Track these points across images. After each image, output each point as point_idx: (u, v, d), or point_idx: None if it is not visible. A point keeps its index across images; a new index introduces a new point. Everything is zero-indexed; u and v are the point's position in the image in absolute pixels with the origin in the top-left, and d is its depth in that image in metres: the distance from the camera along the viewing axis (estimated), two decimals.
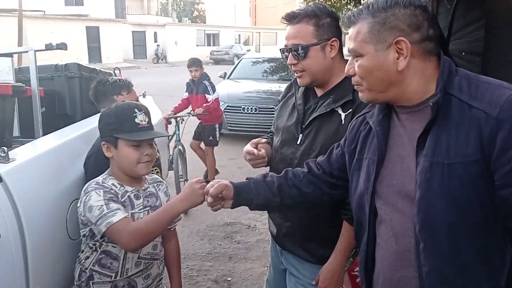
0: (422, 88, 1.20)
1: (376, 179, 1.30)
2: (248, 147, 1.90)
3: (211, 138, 5.83)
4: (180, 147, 5.46)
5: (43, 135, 2.51)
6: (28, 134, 2.70)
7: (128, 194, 1.78)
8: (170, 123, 5.64)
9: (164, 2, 48.59)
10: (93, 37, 28.81)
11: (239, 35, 44.13)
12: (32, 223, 1.67)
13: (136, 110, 1.74)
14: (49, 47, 2.52)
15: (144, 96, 3.81)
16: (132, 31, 35.02)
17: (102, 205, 1.64)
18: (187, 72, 5.86)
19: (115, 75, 3.73)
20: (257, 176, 1.61)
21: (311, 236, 1.84)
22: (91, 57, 28.61)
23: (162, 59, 34.52)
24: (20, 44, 21.70)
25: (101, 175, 1.81)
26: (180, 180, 5.39)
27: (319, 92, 1.86)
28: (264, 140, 2.00)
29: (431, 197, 1.14)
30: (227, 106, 8.20)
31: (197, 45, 38.79)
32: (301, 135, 1.84)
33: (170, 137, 5.86)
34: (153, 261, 1.89)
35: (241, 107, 8.18)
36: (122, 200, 1.73)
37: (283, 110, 2.00)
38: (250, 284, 3.61)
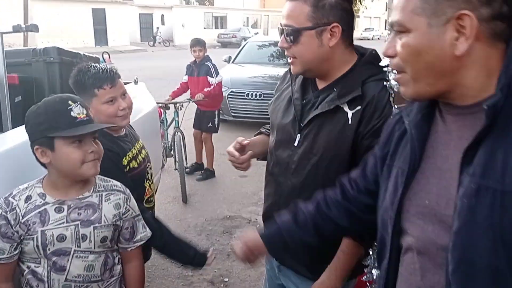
0: (481, 83, 0.91)
1: (405, 194, 1.03)
2: (230, 147, 1.66)
3: (210, 124, 5.60)
4: (179, 133, 5.24)
5: (14, 127, 2.26)
6: None
7: (44, 207, 1.52)
8: (168, 109, 5.41)
9: None
10: (99, 20, 28.59)
11: (247, 17, 43.58)
12: None
13: (70, 102, 1.48)
14: (16, 29, 2.25)
15: (136, 82, 3.55)
16: (139, 14, 34.81)
17: None
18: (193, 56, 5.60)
19: (104, 61, 3.47)
20: (286, 217, 1.40)
21: (318, 253, 1.56)
22: (97, 39, 28.43)
23: (161, 43, 33.53)
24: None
25: (32, 181, 1.58)
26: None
27: (320, 84, 1.58)
28: (255, 137, 1.76)
29: (473, 231, 0.86)
30: (231, 91, 7.94)
31: (204, 28, 38.39)
32: (298, 135, 1.56)
33: (167, 124, 5.66)
34: (89, 284, 1.60)
35: (245, 92, 7.89)
36: (23, 220, 1.50)
37: (278, 104, 1.71)
38: (248, 286, 3.39)
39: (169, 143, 5.48)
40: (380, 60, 1.53)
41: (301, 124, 1.56)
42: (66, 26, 25.25)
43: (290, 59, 1.53)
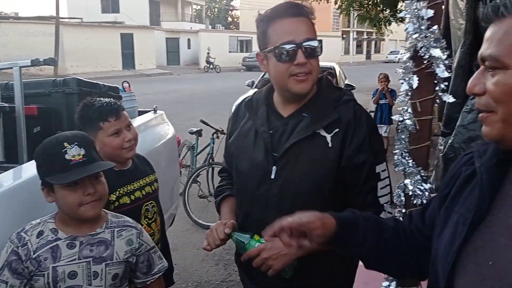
0: None
1: (464, 247, 0.90)
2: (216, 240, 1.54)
3: None
4: (210, 167, 5.24)
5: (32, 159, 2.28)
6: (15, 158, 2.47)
7: (56, 243, 1.49)
8: (201, 135, 5.44)
9: (198, 8, 49.11)
10: (127, 44, 29.28)
11: None
12: None
13: (65, 144, 1.45)
14: (35, 63, 2.29)
15: (155, 111, 3.55)
16: (166, 38, 35.51)
17: None
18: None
19: (124, 90, 3.50)
20: (369, 215, 1.19)
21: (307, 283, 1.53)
22: (124, 63, 29.10)
23: (213, 68, 32.40)
24: (56, 51, 22.25)
25: (44, 217, 1.56)
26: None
27: (285, 112, 1.55)
28: (230, 211, 1.69)
29: None
30: None
31: (229, 52, 38.88)
32: (274, 167, 1.50)
33: (197, 150, 5.69)
34: None
35: None
36: (34, 256, 1.46)
37: (242, 142, 1.64)
38: None
39: (196, 170, 5.43)
40: (333, 84, 1.57)
41: (274, 154, 1.51)
42: (95, 50, 25.96)
43: (306, 74, 1.46)
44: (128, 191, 1.95)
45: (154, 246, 1.73)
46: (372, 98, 8.16)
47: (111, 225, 1.60)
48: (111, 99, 1.97)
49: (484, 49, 0.84)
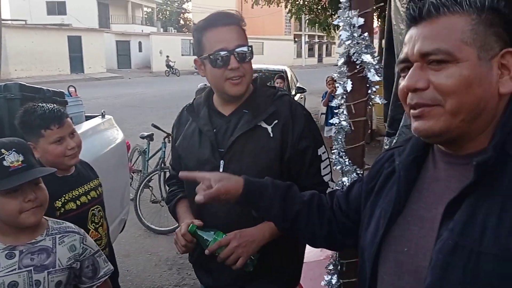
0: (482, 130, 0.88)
1: (385, 237, 0.99)
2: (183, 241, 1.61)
3: None
4: (162, 171, 5.16)
5: None
6: None
7: None
8: (152, 140, 5.33)
9: (149, 11, 48.36)
10: (75, 47, 28.37)
11: None
12: None
13: (2, 150, 1.43)
14: None
15: (103, 116, 3.50)
16: (116, 41, 34.71)
17: None
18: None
19: (70, 95, 3.43)
20: (280, 183, 1.30)
21: (261, 274, 1.61)
22: (72, 67, 28.19)
23: (174, 72, 31.94)
24: None
25: None
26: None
27: (226, 111, 1.66)
28: (187, 210, 1.76)
29: None
30: None
31: (182, 55, 38.53)
32: (222, 161, 1.60)
33: (149, 155, 5.61)
34: None
35: None
36: None
37: (188, 143, 1.72)
38: None
39: (148, 175, 5.36)
40: (266, 83, 1.70)
41: (221, 150, 1.61)
42: (40, 54, 24.98)
43: (240, 78, 1.57)
44: (74, 196, 1.93)
45: (99, 250, 1.71)
46: (322, 100, 8.41)
47: (52, 232, 1.57)
48: (54, 105, 1.93)
49: (426, 45, 0.87)
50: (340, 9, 1.45)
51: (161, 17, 52.86)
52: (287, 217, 1.26)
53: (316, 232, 1.26)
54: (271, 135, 1.58)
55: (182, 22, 56.40)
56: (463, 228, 0.83)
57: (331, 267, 1.54)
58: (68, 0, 34.55)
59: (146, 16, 46.86)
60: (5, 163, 1.41)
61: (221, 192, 1.23)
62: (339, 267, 1.54)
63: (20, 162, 1.44)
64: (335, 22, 1.51)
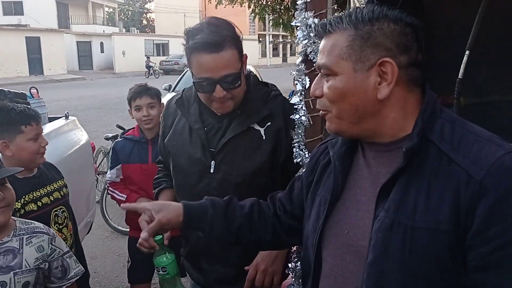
0: (398, 124, 0.98)
1: (326, 222, 1.08)
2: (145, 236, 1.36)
3: None
4: None
5: None
6: None
7: None
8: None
9: (110, 11, 47.43)
10: (33, 48, 27.50)
11: None
12: None
13: None
14: None
15: (67, 117, 3.48)
16: (77, 41, 33.87)
17: None
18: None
19: (32, 96, 3.39)
20: (219, 203, 1.35)
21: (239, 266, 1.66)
22: (31, 69, 27.34)
23: (154, 73, 30.46)
24: None
25: None
26: None
27: None
28: (164, 202, 1.69)
29: (385, 264, 0.92)
30: None
31: (145, 55, 38.06)
32: (213, 162, 1.61)
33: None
34: None
35: None
36: None
37: (177, 139, 1.72)
38: None
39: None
40: (259, 80, 1.72)
41: (212, 150, 1.61)
42: None
43: (221, 101, 1.55)
44: (35, 197, 1.95)
45: (69, 250, 1.72)
46: (289, 98, 8.51)
47: (19, 232, 1.57)
48: (38, 97, 2.01)
49: (319, 59, 1.03)
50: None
51: (123, 17, 51.97)
52: (231, 232, 1.33)
53: (261, 238, 1.35)
54: (264, 138, 1.58)
55: (145, 22, 55.63)
56: (397, 207, 0.93)
57: (295, 254, 1.62)
58: (25, 0, 33.46)
59: (107, 16, 45.95)
60: None
61: (162, 223, 1.28)
62: (302, 253, 1.62)
63: None
64: (292, 23, 1.59)
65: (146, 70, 30.89)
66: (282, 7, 13.59)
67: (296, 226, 1.30)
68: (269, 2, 13.59)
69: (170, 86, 9.68)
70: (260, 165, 1.58)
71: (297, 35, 1.52)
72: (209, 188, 1.62)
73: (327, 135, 1.55)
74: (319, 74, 1.05)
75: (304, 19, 1.49)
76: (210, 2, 12.39)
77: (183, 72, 10.51)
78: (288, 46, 56.90)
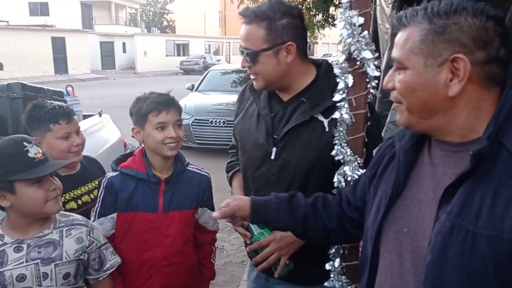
0: (470, 124, 0.94)
1: (385, 217, 1.08)
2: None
3: None
4: None
5: None
6: None
7: (3, 248, 1.51)
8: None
9: (133, 12, 48.02)
10: (58, 48, 28.04)
11: (209, 45, 43.92)
12: None
13: (25, 143, 1.50)
14: None
15: (100, 114, 3.56)
16: (100, 42, 34.42)
17: None
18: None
19: (68, 94, 3.49)
20: (283, 195, 1.42)
21: (305, 259, 1.64)
22: (56, 68, 27.86)
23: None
24: None
25: None
26: None
27: (285, 96, 1.68)
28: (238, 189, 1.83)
29: (443, 268, 0.91)
30: (195, 119, 8.01)
31: (166, 55, 38.42)
32: (274, 148, 1.64)
33: None
34: None
35: (209, 120, 7.97)
36: None
37: (246, 123, 1.78)
38: None
39: None
40: (333, 68, 1.66)
41: (275, 136, 1.64)
42: (24, 55, 24.65)
43: (252, 76, 1.64)
44: (75, 196, 1.96)
45: (106, 242, 1.74)
46: None
47: (59, 225, 1.61)
48: (62, 103, 2.01)
49: (393, 52, 1.02)
50: (323, 9, 1.54)
51: (144, 18, 52.54)
52: (297, 221, 1.36)
53: (327, 226, 1.35)
54: (327, 129, 1.56)
55: (165, 23, 56.13)
56: (460, 211, 0.90)
57: (333, 250, 1.63)
58: (50, 0, 34.14)
59: (129, 17, 46.53)
60: (29, 154, 1.48)
61: (234, 209, 1.40)
62: (341, 251, 1.63)
63: (41, 154, 1.51)
64: (336, 22, 1.61)
65: (202, 70, 30.95)
66: (303, 7, 13.56)
67: (359, 220, 1.29)
68: (291, 3, 13.58)
69: (193, 85, 9.79)
70: (319, 157, 1.57)
71: (341, 33, 1.53)
72: (268, 174, 1.65)
73: (369, 133, 1.57)
74: (393, 67, 1.04)
75: (349, 18, 1.51)
76: (232, 2, 12.42)
77: (206, 72, 10.61)
78: (307, 46, 56.61)
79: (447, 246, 0.90)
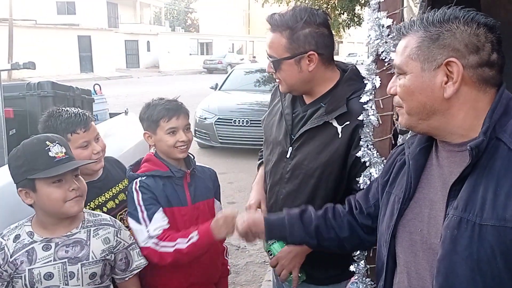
0: (469, 124, 1.01)
1: (399, 220, 1.13)
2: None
3: None
4: None
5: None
6: None
7: (32, 245, 1.53)
8: None
9: (157, 11, 48.57)
10: (84, 46, 28.60)
11: (233, 44, 44.03)
12: None
13: (47, 142, 1.51)
14: (14, 67, 2.34)
15: (126, 113, 3.61)
16: (125, 40, 34.92)
17: None
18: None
19: (95, 93, 3.55)
20: (294, 211, 1.48)
21: (318, 261, 1.71)
22: (82, 66, 28.42)
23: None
24: (10, 54, 21.48)
25: (21, 220, 1.60)
26: None
27: (307, 99, 1.74)
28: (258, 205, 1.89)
29: (454, 260, 0.96)
30: (218, 118, 8.01)
31: (190, 54, 38.69)
32: (290, 148, 1.71)
33: None
34: None
35: (232, 119, 7.96)
36: (11, 259, 1.51)
37: (270, 119, 1.87)
38: None
39: None
40: (360, 74, 1.67)
41: (292, 136, 1.70)
42: (51, 53, 25.22)
43: (277, 80, 1.70)
44: (100, 203, 1.90)
45: (134, 242, 1.75)
46: None
47: (87, 224, 1.63)
48: (78, 108, 1.91)
49: (394, 60, 1.11)
50: (349, 8, 1.54)
51: (168, 17, 53.09)
52: (310, 234, 1.42)
53: (339, 236, 1.40)
54: (340, 135, 1.59)
55: (189, 21, 56.58)
56: (465, 205, 0.96)
57: (357, 253, 1.63)
58: (77, 0, 34.81)
59: (154, 16, 47.08)
60: (50, 153, 1.49)
61: (250, 223, 1.49)
62: (365, 253, 1.63)
63: (63, 154, 1.52)
64: (364, 23, 1.60)
65: (225, 69, 30.93)
66: (328, 6, 13.48)
67: (372, 225, 1.34)
68: (316, 2, 13.51)
69: (216, 84, 9.82)
70: (329, 161, 1.61)
71: (369, 34, 1.53)
72: (283, 171, 1.72)
73: (396, 134, 1.57)
74: (395, 74, 1.11)
75: (377, 19, 1.50)
76: (257, 1, 12.45)
77: (229, 72, 10.65)
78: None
79: (456, 240, 0.95)
